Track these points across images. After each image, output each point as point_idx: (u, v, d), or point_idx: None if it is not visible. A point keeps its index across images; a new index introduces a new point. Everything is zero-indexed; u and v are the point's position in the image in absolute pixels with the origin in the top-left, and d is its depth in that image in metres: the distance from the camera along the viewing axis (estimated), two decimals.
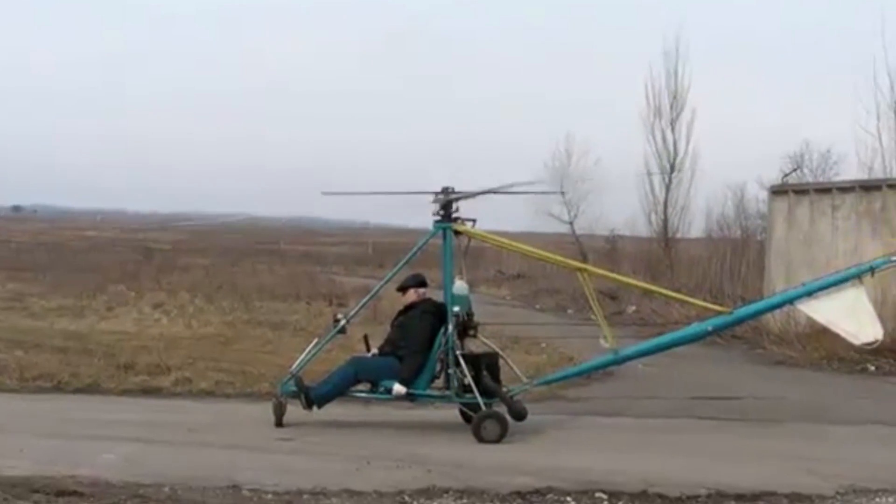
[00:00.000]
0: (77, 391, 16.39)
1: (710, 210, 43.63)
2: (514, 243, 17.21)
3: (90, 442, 12.44)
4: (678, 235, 44.51)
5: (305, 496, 10.45)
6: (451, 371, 13.77)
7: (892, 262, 14.64)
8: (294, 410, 13.92)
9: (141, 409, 15.17)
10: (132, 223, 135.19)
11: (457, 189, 14.47)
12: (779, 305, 15.92)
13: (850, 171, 32.87)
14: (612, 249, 49.74)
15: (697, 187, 43.66)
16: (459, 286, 14.18)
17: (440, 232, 14.46)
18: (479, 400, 13.49)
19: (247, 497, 10.35)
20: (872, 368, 20.92)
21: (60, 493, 9.86)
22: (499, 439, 13.17)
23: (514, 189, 15.08)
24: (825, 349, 21.04)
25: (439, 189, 14.50)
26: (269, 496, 10.39)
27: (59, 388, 16.51)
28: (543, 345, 22.86)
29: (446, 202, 14.39)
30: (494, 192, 14.82)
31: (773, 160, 50.10)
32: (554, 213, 51.05)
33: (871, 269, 14.30)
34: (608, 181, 45.90)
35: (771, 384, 19.59)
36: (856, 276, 14.20)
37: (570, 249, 45.18)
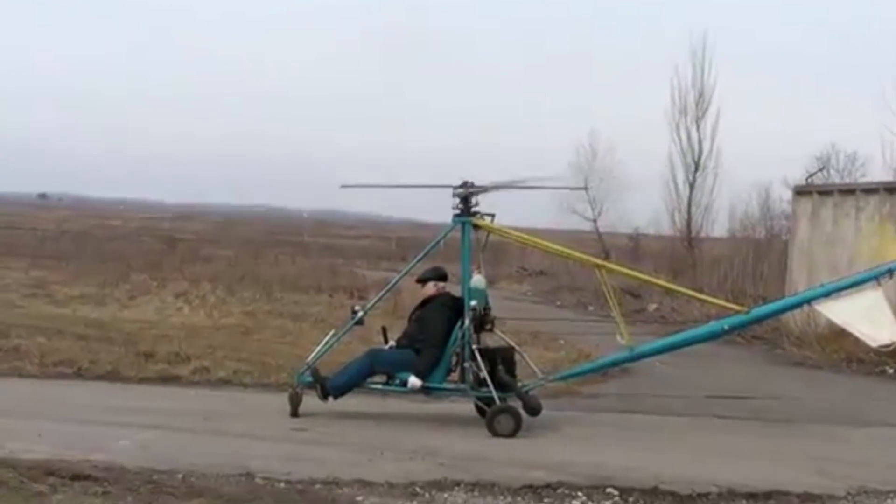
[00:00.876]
0: (97, 378, 16.48)
1: (733, 209, 43.70)
2: (533, 239, 17.23)
3: (107, 428, 12.55)
4: (701, 234, 44.63)
5: (318, 486, 10.52)
6: (466, 365, 13.82)
7: None
8: (310, 401, 14.00)
9: (159, 396, 15.26)
10: (155, 212, 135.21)
11: (476, 184, 14.55)
12: (796, 306, 15.93)
13: (876, 173, 32.94)
14: (635, 247, 49.79)
15: (721, 186, 43.85)
16: (477, 280, 14.23)
17: (459, 226, 14.55)
18: (494, 394, 13.52)
19: (260, 485, 10.41)
20: (891, 371, 20.90)
21: (75, 477, 9.92)
22: (512, 434, 13.21)
23: (532, 184, 15.16)
24: (844, 351, 21.04)
25: (459, 183, 14.58)
26: (282, 485, 10.46)
27: (79, 375, 16.61)
28: (562, 341, 22.90)
29: (465, 196, 14.48)
30: (512, 187, 14.89)
31: (799, 161, 50.05)
32: (578, 211, 51.31)
33: (890, 272, 14.27)
34: (632, 179, 46.05)
35: (788, 384, 19.59)
36: (875, 279, 14.19)
37: (592, 247, 45.26)
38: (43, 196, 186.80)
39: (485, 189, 14.59)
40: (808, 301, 14.93)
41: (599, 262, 16.25)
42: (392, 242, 77.62)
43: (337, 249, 68.57)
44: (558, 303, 38.26)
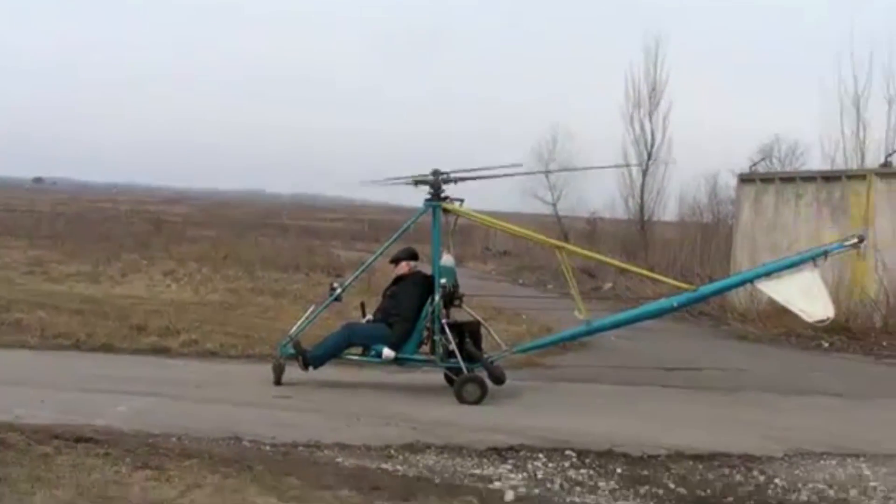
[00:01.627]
0: (93, 350, 16.49)
1: (683, 196, 44.03)
2: (497, 221, 17.38)
3: (105, 395, 12.62)
4: (654, 218, 44.93)
5: (300, 448, 10.63)
6: (436, 338, 13.97)
7: (844, 246, 14.79)
8: (292, 371, 14.12)
9: (151, 367, 15.29)
10: (145, 196, 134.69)
11: (445, 172, 14.69)
12: (739, 284, 16.13)
13: (815, 163, 33.23)
14: (591, 230, 49.94)
15: (672, 174, 44.27)
16: (446, 260, 14.37)
17: (430, 210, 14.70)
18: (462, 365, 13.69)
19: (247, 448, 10.52)
20: (826, 345, 21.12)
21: (78, 440, 9.96)
22: (479, 401, 13.39)
23: (497, 172, 15.28)
24: (784, 326, 21.25)
25: (430, 171, 14.73)
26: (268, 448, 10.56)
27: (76, 347, 16.62)
28: (524, 316, 23.01)
29: (436, 183, 14.63)
30: (479, 177, 15.01)
31: (746, 151, 50.40)
32: (539, 195, 51.38)
33: (825, 253, 14.48)
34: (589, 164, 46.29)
35: (732, 357, 19.79)
36: (811, 260, 14.39)
37: (553, 229, 45.40)
38: (38, 180, 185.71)
39: (454, 179, 14.75)
40: (751, 280, 15.13)
41: (559, 243, 16.39)
42: (364, 224, 77.56)
43: (314, 231, 68.53)
44: (521, 281, 38.36)
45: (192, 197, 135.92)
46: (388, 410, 12.66)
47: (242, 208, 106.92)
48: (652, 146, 44.06)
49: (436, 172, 14.59)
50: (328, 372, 14.33)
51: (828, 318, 14.52)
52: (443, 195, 14.61)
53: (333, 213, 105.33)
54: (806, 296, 14.11)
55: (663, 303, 15.19)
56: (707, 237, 35.60)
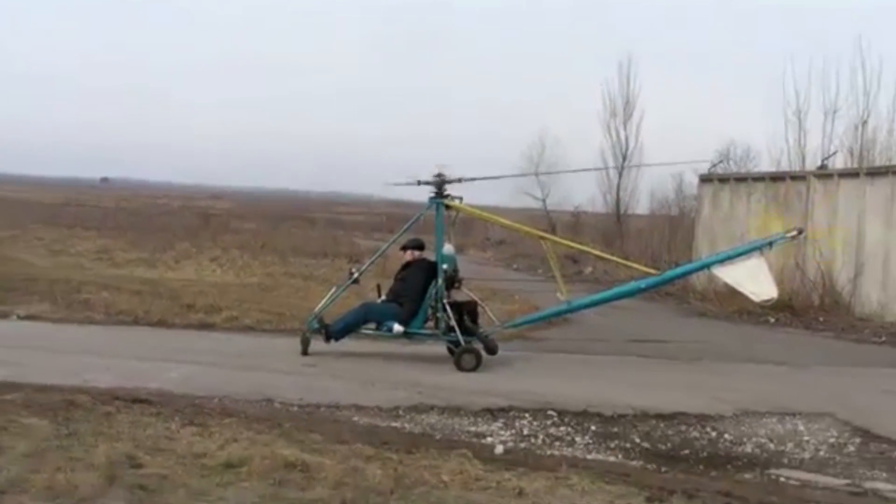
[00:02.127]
0: (149, 325, 16.57)
1: (653, 193, 44.18)
2: (491, 216, 17.50)
3: (159, 363, 12.73)
4: (628, 212, 45.05)
5: (322, 409, 10.75)
6: (439, 315, 14.09)
7: (786, 238, 14.93)
8: (317, 344, 14.21)
9: (198, 339, 15.38)
10: (193, 193, 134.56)
11: (447, 174, 14.80)
12: (698, 269, 16.25)
13: (765, 165, 33.31)
14: (576, 222, 49.91)
15: (643, 173, 44.52)
16: (448, 248, 14.43)
17: (434, 206, 14.81)
18: (461, 338, 13.80)
19: (277, 408, 10.64)
20: (773, 320, 21.18)
21: (136, 401, 10.09)
22: (474, 369, 13.48)
23: (491, 176, 15.40)
24: (737, 305, 21.24)
25: (436, 173, 14.83)
26: (295, 408, 10.70)
27: (136, 322, 16.70)
28: (517, 297, 23.02)
29: (439, 182, 14.75)
30: (476, 179, 15.12)
31: (707, 154, 50.42)
32: (529, 192, 51.39)
33: (770, 244, 14.61)
34: (573, 166, 46.35)
35: (693, 331, 19.83)
36: (758, 249, 14.52)
37: (541, 222, 45.48)
38: (105, 180, 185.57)
39: (456, 180, 14.85)
40: (707, 266, 15.26)
41: (543, 234, 16.46)
42: (383, 218, 77.43)
43: (338, 223, 68.52)
44: (515, 266, 38.31)
45: (232, 193, 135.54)
46: (397, 377, 12.74)
47: (277, 203, 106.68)
48: (626, 150, 44.30)
49: (439, 174, 14.70)
50: (348, 344, 14.39)
51: (772, 299, 14.69)
52: (445, 193, 14.71)
53: (355, 208, 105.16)
54: (754, 279, 14.22)
55: (633, 285, 15.24)
56: (674, 228, 35.62)
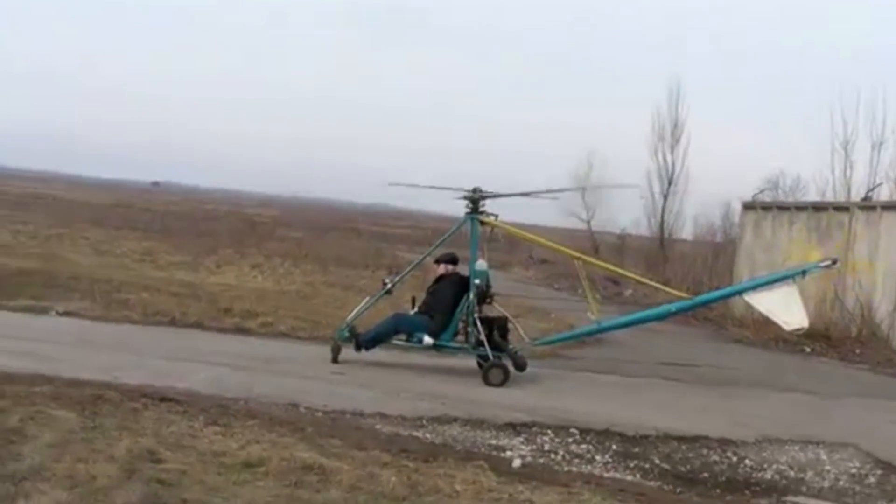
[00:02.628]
0: (185, 326, 16.73)
1: (698, 218, 44.02)
2: (525, 234, 17.62)
3: (190, 364, 12.91)
4: (673, 237, 44.96)
5: (347, 415, 10.88)
6: (469, 329, 14.21)
7: (820, 267, 14.93)
8: (348, 352, 14.35)
9: (232, 343, 15.50)
10: (241, 199, 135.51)
11: (484, 190, 14.95)
12: (730, 295, 16.32)
13: (812, 195, 33.17)
14: (621, 245, 49.91)
15: (689, 199, 44.42)
16: (481, 264, 14.53)
17: (469, 222, 14.94)
18: (489, 353, 13.90)
19: (302, 413, 10.76)
20: (808, 350, 21.10)
21: (163, 399, 10.26)
22: (502, 384, 13.57)
23: (530, 192, 15.49)
24: (774, 332, 21.13)
25: (471, 189, 14.97)
26: (319, 413, 10.82)
27: (172, 323, 16.85)
28: (553, 315, 23.14)
29: (475, 198, 14.89)
30: (512, 195, 15.26)
31: (753, 181, 50.35)
32: (574, 213, 51.46)
33: (804, 272, 14.58)
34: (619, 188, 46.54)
35: (727, 357, 19.78)
36: (791, 277, 14.51)
37: (585, 243, 45.60)
38: (156, 184, 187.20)
39: (492, 195, 14.98)
40: (740, 293, 15.28)
41: (577, 254, 16.51)
42: (428, 231, 77.56)
43: (383, 236, 68.78)
44: (556, 286, 38.30)
45: (283, 202, 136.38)
46: (424, 388, 12.85)
47: (324, 213, 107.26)
48: (672, 174, 44.22)
49: (475, 190, 14.84)
50: (378, 355, 14.54)
51: (803, 328, 14.67)
52: (480, 209, 14.84)
53: (403, 222, 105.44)
54: (785, 308, 14.20)
55: (664, 308, 15.28)
56: (717, 254, 35.57)
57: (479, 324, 14.06)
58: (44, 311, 16.80)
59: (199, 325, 16.93)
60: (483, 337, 13.97)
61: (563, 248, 17.97)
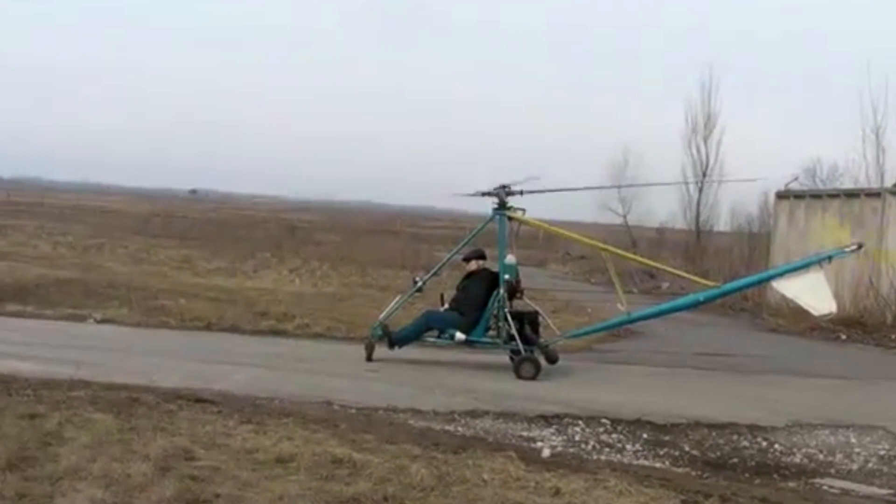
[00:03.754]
0: (222, 330, 17.00)
1: (735, 208, 43.89)
2: (553, 228, 17.65)
3: (225, 366, 13.15)
4: (711, 229, 44.90)
5: (380, 412, 11.00)
6: (500, 324, 14.35)
7: (845, 252, 14.99)
8: (382, 351, 14.56)
9: (268, 345, 15.71)
10: (279, 204, 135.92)
11: (511, 186, 15.08)
12: (757, 283, 16.35)
13: (847, 183, 33.04)
14: (660, 239, 49.94)
15: (726, 190, 44.36)
16: (510, 259, 14.69)
17: (496, 218, 15.09)
18: (521, 347, 14.05)
19: (336, 410, 10.90)
20: (844, 337, 21.12)
21: (198, 400, 10.44)
22: (533, 377, 13.71)
23: (558, 187, 15.62)
24: (810, 321, 21.15)
25: (497, 185, 15.12)
26: (353, 410, 10.94)
27: (208, 328, 17.15)
28: (590, 310, 23.22)
29: (503, 194, 15.03)
30: (541, 191, 15.33)
31: (791, 170, 50.13)
32: (611, 208, 51.53)
33: (830, 258, 14.63)
34: (654, 182, 46.68)
35: (762, 345, 19.82)
36: (817, 263, 14.56)
37: (623, 238, 45.73)
38: (193, 191, 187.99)
39: (518, 192, 15.12)
40: (767, 280, 15.35)
41: (603, 246, 16.60)
42: (466, 232, 77.35)
43: (422, 237, 68.88)
44: (592, 280, 38.29)
45: (318, 206, 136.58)
46: (457, 384, 12.98)
47: (362, 216, 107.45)
48: (706, 166, 44.15)
49: (502, 186, 14.99)
50: (411, 353, 14.73)
51: (831, 313, 14.70)
52: (507, 205, 14.99)
53: (440, 223, 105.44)
54: (813, 293, 14.24)
55: (692, 297, 15.34)
56: (753, 245, 35.51)
57: (509, 318, 14.20)
58: (82, 318, 17.14)
59: (235, 329, 17.18)
60: (514, 331, 14.11)
61: (589, 240, 18.18)
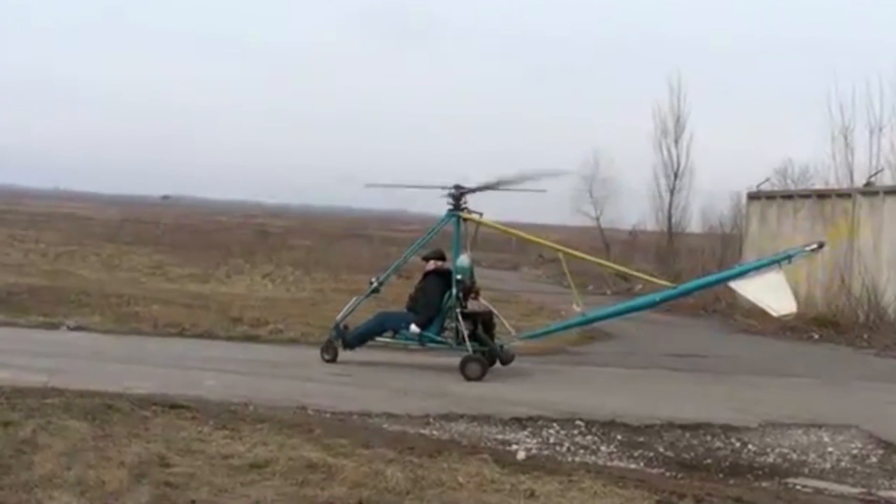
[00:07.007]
0: (195, 336, 16.98)
1: (705, 210, 44.07)
2: (509, 229, 17.83)
3: (199, 372, 13.11)
4: (683, 230, 45.01)
5: (354, 416, 11.02)
6: (453, 324, 14.39)
7: (805, 251, 15.01)
8: (352, 354, 14.68)
9: (241, 350, 15.72)
10: (252, 210, 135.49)
11: (463, 186, 15.19)
12: (715, 283, 16.25)
13: (819, 183, 33.22)
14: (632, 241, 50.01)
15: (696, 192, 44.48)
16: (462, 259, 14.78)
17: (452, 219, 15.17)
18: (468, 346, 14.07)
19: (310, 415, 10.88)
20: (816, 336, 21.30)
21: (172, 406, 10.38)
22: (479, 377, 13.79)
23: (510, 186, 15.53)
24: (782, 322, 21.37)
25: (452, 185, 15.17)
26: (328, 415, 10.95)
27: (181, 334, 17.11)
28: (563, 312, 23.22)
29: (457, 195, 15.12)
30: (493, 188, 15.36)
31: (762, 171, 50.33)
32: (583, 210, 51.57)
33: (789, 258, 14.67)
34: (625, 185, 46.76)
35: (734, 346, 20.02)
36: (777, 263, 14.58)
37: (595, 241, 45.88)
38: (165, 197, 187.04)
39: (471, 190, 15.17)
40: (724, 280, 15.34)
41: (560, 248, 16.65)
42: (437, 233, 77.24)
43: (393, 241, 68.85)
44: (564, 283, 38.37)
45: (290, 211, 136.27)
46: (430, 387, 13.04)
47: (335, 221, 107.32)
48: (677, 168, 44.25)
49: (457, 187, 15.04)
50: (382, 356, 14.85)
51: (791, 313, 14.66)
52: (462, 206, 15.04)
53: (414, 226, 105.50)
54: (773, 293, 14.18)
55: (649, 297, 15.47)
56: (725, 246, 35.71)
57: (460, 319, 14.26)
58: (55, 326, 17.07)
59: (209, 335, 17.17)
60: (464, 331, 14.15)
61: (546, 242, 18.26)
